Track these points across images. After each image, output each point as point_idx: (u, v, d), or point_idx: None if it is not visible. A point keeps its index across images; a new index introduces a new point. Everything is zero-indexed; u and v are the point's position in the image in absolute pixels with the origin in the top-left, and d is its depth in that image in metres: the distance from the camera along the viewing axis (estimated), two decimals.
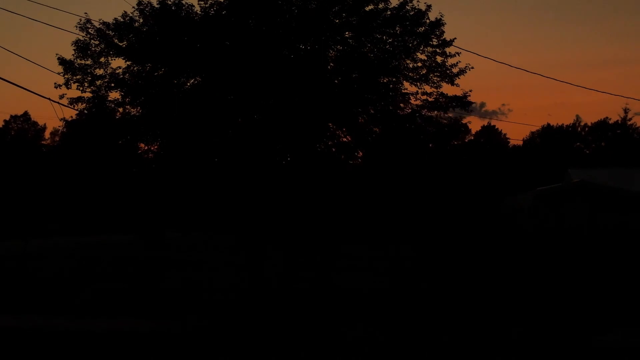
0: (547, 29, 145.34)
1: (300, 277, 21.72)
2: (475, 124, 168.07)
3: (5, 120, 79.47)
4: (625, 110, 70.84)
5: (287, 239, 31.81)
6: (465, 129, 22.37)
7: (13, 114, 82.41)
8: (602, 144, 73.55)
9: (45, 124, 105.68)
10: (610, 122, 72.41)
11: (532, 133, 78.11)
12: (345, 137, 21.07)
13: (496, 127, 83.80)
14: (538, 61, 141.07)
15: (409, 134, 19.70)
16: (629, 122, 71.51)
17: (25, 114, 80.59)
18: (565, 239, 30.10)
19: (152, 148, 20.26)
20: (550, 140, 71.50)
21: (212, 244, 38.87)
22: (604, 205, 32.90)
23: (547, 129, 73.62)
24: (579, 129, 76.60)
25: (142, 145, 20.14)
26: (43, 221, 50.97)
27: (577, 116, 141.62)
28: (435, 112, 20.02)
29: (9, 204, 54.14)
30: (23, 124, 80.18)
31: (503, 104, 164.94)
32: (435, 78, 20.24)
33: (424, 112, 20.15)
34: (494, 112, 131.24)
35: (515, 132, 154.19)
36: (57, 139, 78.80)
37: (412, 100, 20.07)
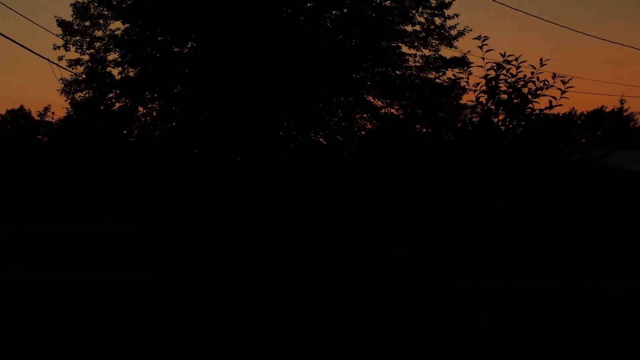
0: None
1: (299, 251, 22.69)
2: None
3: (1, 115, 79.10)
4: (621, 101, 70.93)
5: (285, 218, 31.83)
6: (463, 90, 22.27)
7: (9, 109, 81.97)
8: (599, 132, 73.69)
9: (42, 118, 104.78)
10: (607, 110, 72.54)
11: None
12: (345, 102, 21.01)
13: (494, 119, 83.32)
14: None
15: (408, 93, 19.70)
16: (625, 113, 71.65)
17: (21, 107, 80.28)
18: (563, 213, 30.27)
19: (151, 112, 20.22)
20: (546, 128, 71.45)
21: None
22: (602, 181, 33.01)
23: (543, 117, 73.49)
24: (575, 117, 76.63)
25: (141, 108, 20.10)
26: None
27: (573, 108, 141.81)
28: (434, 73, 19.98)
29: (8, 193, 54.32)
30: (19, 117, 79.81)
31: None
32: (433, 41, 20.22)
33: (422, 74, 20.11)
34: None
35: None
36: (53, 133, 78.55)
37: (411, 62, 20.04)
